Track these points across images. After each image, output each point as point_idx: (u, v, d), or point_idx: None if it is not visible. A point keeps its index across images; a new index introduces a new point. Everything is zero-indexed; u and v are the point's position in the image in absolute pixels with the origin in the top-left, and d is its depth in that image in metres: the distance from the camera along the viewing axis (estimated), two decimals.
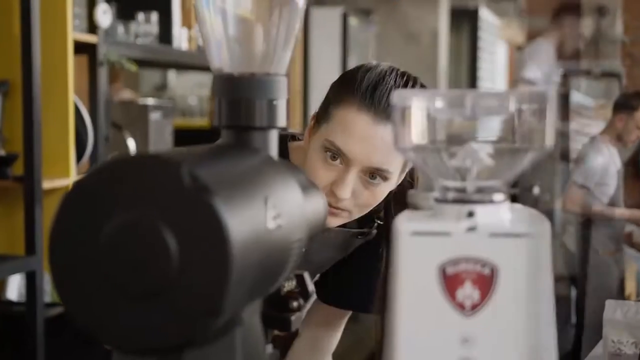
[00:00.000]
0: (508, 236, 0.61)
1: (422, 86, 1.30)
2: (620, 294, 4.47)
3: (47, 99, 2.54)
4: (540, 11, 8.54)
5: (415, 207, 0.69)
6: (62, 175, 2.61)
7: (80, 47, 2.75)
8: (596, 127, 4.59)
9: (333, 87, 1.30)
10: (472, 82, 7.33)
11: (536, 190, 4.73)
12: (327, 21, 5.16)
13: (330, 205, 1.23)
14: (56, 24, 2.56)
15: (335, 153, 1.23)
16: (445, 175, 0.65)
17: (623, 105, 4.34)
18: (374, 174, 1.24)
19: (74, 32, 2.65)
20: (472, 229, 0.62)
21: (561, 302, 4.44)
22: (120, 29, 3.09)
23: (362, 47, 5.55)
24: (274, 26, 0.72)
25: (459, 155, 0.65)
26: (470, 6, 7.04)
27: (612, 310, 1.79)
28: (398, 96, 0.64)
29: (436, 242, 0.62)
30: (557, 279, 4.26)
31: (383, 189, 1.27)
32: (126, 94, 4.13)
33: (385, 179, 1.25)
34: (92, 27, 2.78)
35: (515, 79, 4.52)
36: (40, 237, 2.45)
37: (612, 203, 4.35)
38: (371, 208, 1.30)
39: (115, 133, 3.09)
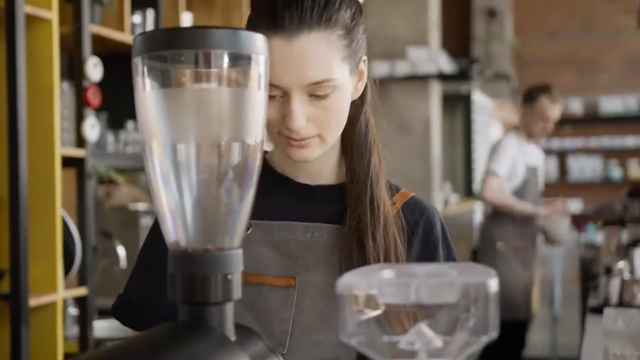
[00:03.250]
0: None
1: None
2: (527, 302, 4.30)
3: (35, 214, 2.54)
4: None
5: None
6: (50, 291, 2.58)
7: (69, 160, 2.76)
8: None
9: None
10: (467, 164, 7.36)
11: None
12: None
13: (294, 139, 1.17)
14: (44, 139, 2.57)
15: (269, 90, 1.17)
16: (394, 356, 0.65)
17: (526, 99, 4.48)
18: (319, 90, 1.15)
19: (62, 147, 2.66)
20: None
21: None
22: (110, 137, 3.11)
23: None
24: (227, 201, 0.72)
25: (407, 337, 0.64)
26: (463, 91, 7.10)
27: (612, 319, 1.58)
28: (342, 283, 0.64)
29: None
30: None
31: (337, 99, 1.17)
32: (125, 192, 4.13)
33: (334, 88, 1.16)
34: (81, 140, 2.79)
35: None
36: (26, 357, 2.42)
37: (517, 197, 4.34)
38: (339, 125, 1.20)
39: (105, 242, 3.08)
